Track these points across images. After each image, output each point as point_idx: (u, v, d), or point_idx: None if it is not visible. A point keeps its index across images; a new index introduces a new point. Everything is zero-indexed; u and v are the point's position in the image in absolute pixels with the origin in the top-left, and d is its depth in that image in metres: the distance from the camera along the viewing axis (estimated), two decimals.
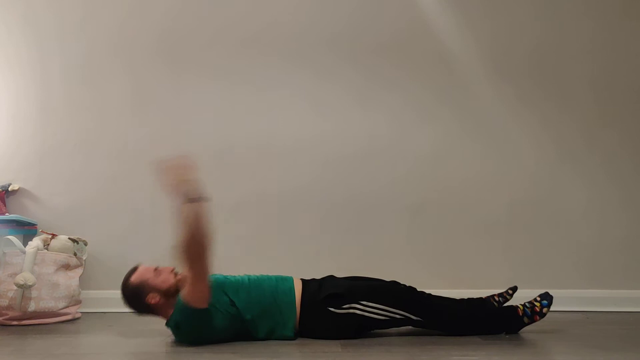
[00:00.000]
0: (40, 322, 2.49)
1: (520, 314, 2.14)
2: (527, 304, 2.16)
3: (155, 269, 2.13)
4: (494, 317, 2.19)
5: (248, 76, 2.97)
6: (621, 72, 2.96)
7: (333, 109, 2.96)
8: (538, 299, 2.17)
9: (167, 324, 2.07)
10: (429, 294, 2.18)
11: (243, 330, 2.06)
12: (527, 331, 2.22)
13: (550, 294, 2.18)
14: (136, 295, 2.08)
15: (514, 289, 2.34)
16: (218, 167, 2.91)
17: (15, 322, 2.46)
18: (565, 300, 2.76)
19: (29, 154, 2.94)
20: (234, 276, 2.17)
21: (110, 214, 2.90)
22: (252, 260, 2.62)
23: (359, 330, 2.11)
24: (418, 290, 2.19)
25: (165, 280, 2.09)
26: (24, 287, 2.45)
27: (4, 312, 2.48)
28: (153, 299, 2.06)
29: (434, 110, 2.96)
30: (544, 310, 2.14)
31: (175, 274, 2.12)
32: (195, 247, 1.90)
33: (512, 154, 2.94)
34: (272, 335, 2.07)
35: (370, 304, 2.07)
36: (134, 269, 2.15)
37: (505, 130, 2.95)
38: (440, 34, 2.97)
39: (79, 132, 2.95)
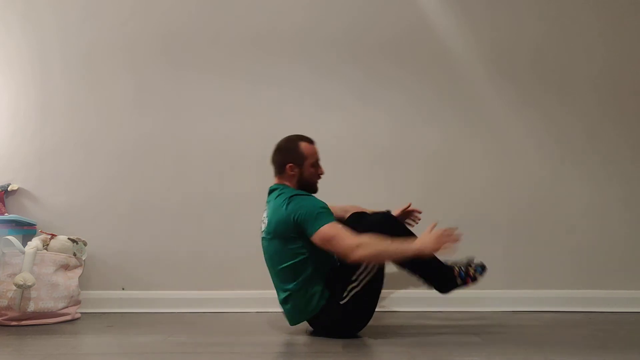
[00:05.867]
0: (39, 323, 2.48)
1: (456, 275, 2.20)
2: (462, 267, 2.22)
3: (317, 161, 2.26)
4: (435, 270, 2.23)
5: (250, 75, 2.97)
6: (625, 72, 2.95)
7: (335, 107, 2.95)
8: (473, 265, 2.23)
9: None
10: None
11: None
12: (527, 330, 2.22)
13: (485, 265, 2.23)
14: (286, 153, 2.25)
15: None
16: (219, 166, 2.91)
17: (14, 323, 2.46)
18: (565, 301, 2.77)
19: (29, 154, 2.94)
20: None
21: (109, 214, 2.90)
22: (253, 259, 2.61)
23: (367, 309, 2.11)
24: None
25: (312, 174, 2.25)
26: (23, 288, 2.44)
27: (3, 312, 2.48)
28: (292, 170, 2.23)
29: (436, 109, 2.95)
30: (477, 275, 2.21)
31: (317, 180, 2.27)
32: (386, 257, 2.09)
33: (514, 153, 2.93)
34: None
35: (359, 270, 2.06)
36: (311, 141, 2.27)
37: (507, 129, 2.94)
38: (443, 33, 2.97)
39: (79, 132, 2.95)
